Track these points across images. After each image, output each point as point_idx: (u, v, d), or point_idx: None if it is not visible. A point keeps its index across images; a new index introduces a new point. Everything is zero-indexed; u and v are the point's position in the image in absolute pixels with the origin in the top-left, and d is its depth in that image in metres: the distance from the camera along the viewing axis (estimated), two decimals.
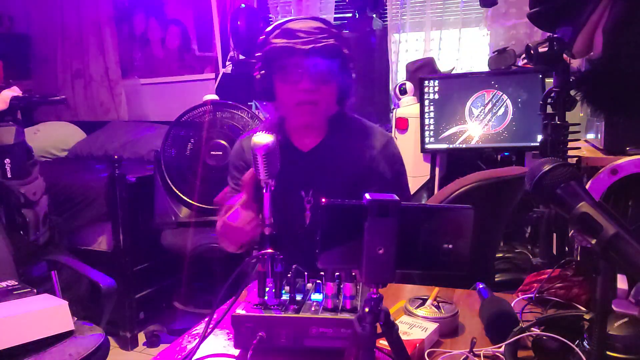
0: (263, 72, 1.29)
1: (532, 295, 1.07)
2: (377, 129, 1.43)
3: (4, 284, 1.66)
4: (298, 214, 1.35)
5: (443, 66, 2.71)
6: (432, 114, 2.28)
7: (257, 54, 1.31)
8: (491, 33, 2.69)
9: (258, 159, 1.03)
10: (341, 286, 0.90)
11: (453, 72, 2.66)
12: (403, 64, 2.80)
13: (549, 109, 1.24)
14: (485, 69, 2.31)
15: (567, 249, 1.29)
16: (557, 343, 0.82)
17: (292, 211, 1.35)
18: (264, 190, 1.10)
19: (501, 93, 2.18)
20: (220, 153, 2.34)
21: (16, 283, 1.69)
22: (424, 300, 1.04)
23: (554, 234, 1.30)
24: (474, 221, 0.65)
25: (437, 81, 2.28)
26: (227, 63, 3.05)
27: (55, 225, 2.44)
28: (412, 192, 2.38)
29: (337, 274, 0.91)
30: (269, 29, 1.29)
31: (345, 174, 1.34)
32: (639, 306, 0.90)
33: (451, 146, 2.27)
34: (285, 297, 0.93)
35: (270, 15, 3.16)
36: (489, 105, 2.20)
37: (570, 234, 1.25)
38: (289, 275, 0.93)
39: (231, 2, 3.25)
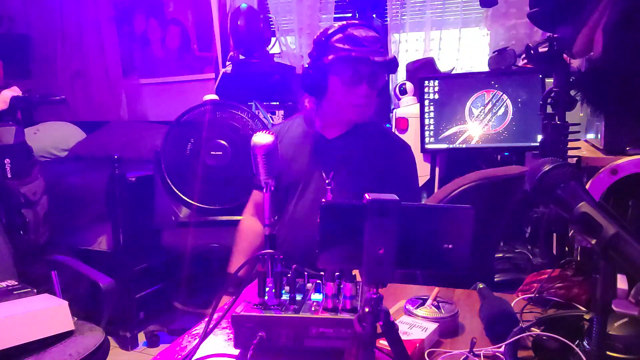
0: (319, 70, 1.40)
1: (532, 295, 1.07)
2: (398, 137, 1.59)
3: (4, 284, 1.66)
4: (320, 192, 1.46)
5: (443, 66, 2.70)
6: (432, 114, 2.28)
7: (313, 53, 1.43)
8: (491, 33, 2.69)
9: (258, 158, 1.03)
10: (341, 286, 0.90)
11: (453, 72, 2.65)
12: (403, 64, 2.79)
13: (549, 109, 1.24)
14: (485, 69, 2.31)
15: (567, 249, 1.29)
16: (557, 343, 0.82)
17: (315, 189, 1.48)
18: (264, 190, 1.10)
19: (501, 93, 2.18)
20: (220, 153, 2.34)
21: (16, 283, 1.69)
22: (424, 300, 1.04)
23: (554, 234, 1.30)
24: (473, 221, 0.65)
25: (437, 81, 2.28)
26: (227, 63, 3.05)
27: (55, 225, 2.44)
28: None
29: (337, 273, 0.91)
30: (330, 31, 1.40)
31: (363, 166, 1.44)
32: (639, 306, 0.90)
33: (451, 146, 2.27)
34: (285, 297, 0.93)
35: (270, 15, 3.16)
36: (489, 105, 2.20)
37: (570, 234, 1.25)
38: (289, 275, 0.93)
39: (231, 2, 3.25)
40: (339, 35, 1.38)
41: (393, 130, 2.47)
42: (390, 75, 2.89)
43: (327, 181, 1.39)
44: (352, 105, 1.43)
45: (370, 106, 1.46)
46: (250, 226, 1.62)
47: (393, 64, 1.41)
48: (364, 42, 1.36)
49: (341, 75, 1.41)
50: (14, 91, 2.24)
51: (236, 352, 0.91)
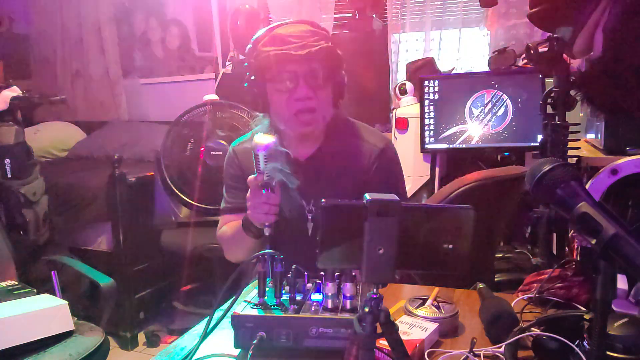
0: (255, 81, 1.24)
1: (532, 295, 1.07)
2: (374, 134, 1.38)
3: (4, 284, 1.66)
4: (300, 224, 1.30)
5: (443, 66, 2.71)
6: (432, 114, 2.28)
7: (246, 63, 1.27)
8: (491, 33, 2.69)
9: (259, 159, 1.03)
10: (341, 286, 0.90)
11: (453, 72, 2.66)
12: (403, 64, 2.80)
13: (549, 109, 1.24)
14: (485, 69, 2.31)
15: (567, 249, 1.29)
16: (557, 343, 0.82)
17: (293, 221, 1.30)
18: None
19: (501, 93, 2.18)
20: (220, 153, 2.34)
21: (16, 283, 1.69)
22: (424, 300, 1.04)
23: (554, 234, 1.30)
24: (473, 221, 0.65)
25: (437, 81, 2.28)
26: (227, 63, 3.05)
27: (55, 225, 2.44)
28: (412, 192, 2.38)
29: (337, 274, 0.91)
30: (257, 35, 1.24)
31: (344, 182, 1.31)
32: (639, 306, 0.90)
33: (451, 146, 2.27)
34: (285, 297, 0.93)
35: (270, 15, 3.16)
36: (489, 105, 2.20)
37: (570, 234, 1.25)
38: (289, 275, 0.93)
39: (231, 2, 3.25)
40: (266, 38, 1.21)
41: (393, 130, 2.47)
42: (390, 75, 2.90)
43: (307, 208, 1.29)
44: (295, 113, 1.22)
45: (318, 109, 1.23)
46: (230, 224, 1.39)
47: (330, 54, 1.20)
48: (290, 39, 1.18)
49: (273, 81, 1.23)
50: (14, 91, 2.24)
51: (236, 352, 0.91)
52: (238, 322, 0.88)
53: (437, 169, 2.36)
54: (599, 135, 1.49)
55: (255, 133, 1.39)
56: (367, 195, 0.63)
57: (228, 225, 1.39)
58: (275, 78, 1.22)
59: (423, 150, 2.31)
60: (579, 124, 1.28)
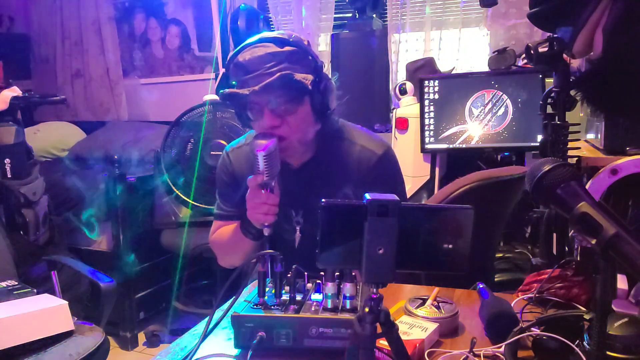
0: (234, 103, 1.20)
1: (532, 295, 1.07)
2: (372, 139, 1.31)
3: (4, 284, 1.66)
4: (287, 234, 1.26)
5: (443, 66, 2.70)
6: (432, 114, 2.28)
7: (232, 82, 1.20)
8: (491, 33, 2.69)
9: (259, 159, 1.03)
10: (341, 286, 0.90)
11: (453, 72, 2.65)
12: (403, 64, 2.79)
13: (549, 109, 1.24)
14: (485, 69, 2.31)
15: (567, 249, 1.29)
16: (557, 343, 0.82)
17: (281, 231, 1.24)
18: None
19: (501, 93, 2.18)
20: (220, 153, 2.34)
21: (16, 283, 1.69)
22: (424, 300, 1.04)
23: (554, 234, 1.30)
24: (473, 221, 0.65)
25: (437, 81, 2.28)
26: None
27: (55, 225, 2.44)
28: (412, 192, 2.38)
29: (337, 273, 0.91)
30: (229, 58, 1.19)
31: (341, 191, 1.23)
32: (639, 306, 0.90)
33: (451, 146, 2.27)
34: (285, 297, 0.93)
35: (270, 15, 3.16)
36: (489, 105, 2.20)
37: (570, 234, 1.25)
38: (289, 275, 0.93)
39: (231, 2, 3.25)
40: (231, 65, 1.17)
41: (393, 130, 2.47)
42: (390, 75, 2.90)
43: (295, 219, 1.25)
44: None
45: (291, 136, 1.17)
46: (224, 228, 1.39)
47: (288, 80, 1.10)
48: (249, 67, 1.11)
49: (244, 109, 1.19)
50: (14, 91, 2.24)
51: (236, 352, 0.91)
52: (238, 322, 0.89)
53: (437, 169, 2.36)
54: (599, 135, 1.49)
55: (250, 135, 1.38)
56: (367, 195, 0.63)
57: (222, 229, 1.37)
58: (242, 107, 1.19)
59: (423, 150, 2.31)
60: (579, 124, 1.28)
